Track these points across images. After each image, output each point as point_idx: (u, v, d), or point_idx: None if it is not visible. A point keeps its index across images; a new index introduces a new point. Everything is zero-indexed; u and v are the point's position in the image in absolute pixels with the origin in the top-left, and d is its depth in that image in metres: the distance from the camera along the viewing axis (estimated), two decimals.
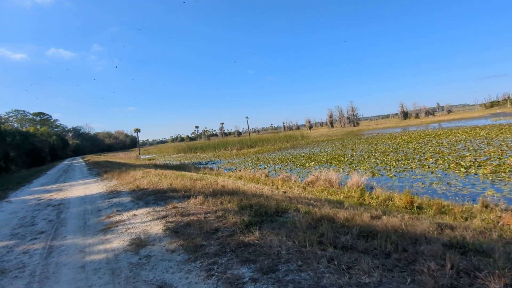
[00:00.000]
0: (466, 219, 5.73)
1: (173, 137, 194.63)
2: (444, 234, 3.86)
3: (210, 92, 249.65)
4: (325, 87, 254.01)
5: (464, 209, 6.38)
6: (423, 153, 17.52)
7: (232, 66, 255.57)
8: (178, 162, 28.37)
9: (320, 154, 22.90)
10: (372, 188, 10.23)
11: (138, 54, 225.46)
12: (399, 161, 15.64)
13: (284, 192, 8.61)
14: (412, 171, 12.87)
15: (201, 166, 21.39)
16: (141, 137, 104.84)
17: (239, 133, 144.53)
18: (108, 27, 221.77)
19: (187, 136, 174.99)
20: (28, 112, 79.44)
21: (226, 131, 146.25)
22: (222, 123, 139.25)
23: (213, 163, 26.21)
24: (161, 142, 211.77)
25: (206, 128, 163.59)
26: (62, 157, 65.15)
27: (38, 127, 70.17)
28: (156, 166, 21.78)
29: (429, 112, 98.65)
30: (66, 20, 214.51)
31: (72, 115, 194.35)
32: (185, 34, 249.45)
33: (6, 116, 69.36)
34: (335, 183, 10.67)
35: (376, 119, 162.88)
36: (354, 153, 21.13)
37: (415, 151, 18.76)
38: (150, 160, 38.35)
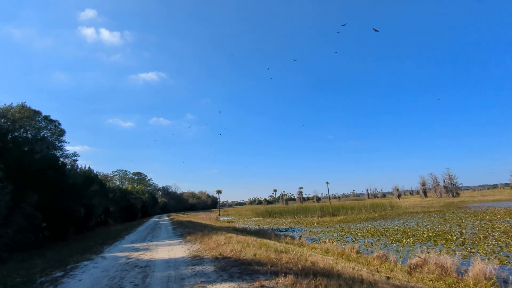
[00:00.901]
0: None
1: (251, 200, 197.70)
2: None
3: (288, 157, 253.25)
4: (415, 151, 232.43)
5: None
6: None
7: (309, 132, 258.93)
8: (257, 227, 27.74)
9: (419, 229, 19.72)
10: (506, 282, 7.89)
11: (225, 121, 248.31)
12: None
13: (388, 277, 7.10)
14: None
15: (281, 234, 20.29)
16: (221, 198, 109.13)
17: (318, 199, 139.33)
18: (201, 98, 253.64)
19: (265, 199, 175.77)
20: (128, 172, 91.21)
21: (304, 195, 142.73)
22: (301, 188, 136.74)
23: (293, 231, 24.81)
24: (239, 204, 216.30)
25: (284, 191, 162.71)
26: (151, 214, 70.79)
27: (135, 185, 79.28)
28: (236, 230, 21.49)
29: None
30: (167, 94, 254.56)
31: (164, 175, 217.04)
32: (265, 107, 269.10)
33: (111, 175, 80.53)
34: (450, 270, 8.55)
35: (480, 189, 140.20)
36: (464, 231, 17.61)
37: None
38: (229, 222, 38.62)
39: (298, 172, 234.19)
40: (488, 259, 10.53)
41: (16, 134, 20.51)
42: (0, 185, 11.96)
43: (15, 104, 22.65)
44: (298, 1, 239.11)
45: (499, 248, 12.30)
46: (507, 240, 13.88)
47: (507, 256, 10.90)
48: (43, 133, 24.67)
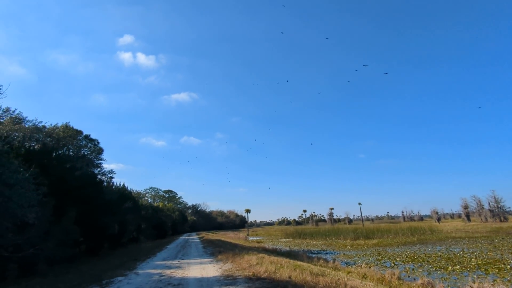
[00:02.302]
0: None
1: (279, 220, 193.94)
2: None
3: (318, 176, 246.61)
4: (454, 171, 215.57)
5: None
6: None
7: (340, 150, 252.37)
8: (287, 248, 26.93)
9: (465, 256, 18.11)
10: None
11: (254, 138, 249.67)
12: None
13: None
14: None
15: (314, 256, 19.48)
16: (249, 218, 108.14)
17: (350, 220, 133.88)
18: (230, 117, 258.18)
19: (294, 219, 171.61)
20: (160, 189, 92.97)
21: (335, 217, 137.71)
22: (332, 208, 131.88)
23: (326, 253, 23.78)
24: (268, 224, 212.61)
25: (314, 212, 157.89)
26: (180, 232, 71.29)
27: (166, 203, 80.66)
28: (266, 251, 20.95)
29: None
30: (198, 114, 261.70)
31: (193, 193, 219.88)
32: (298, 121, 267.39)
33: (144, 192, 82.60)
34: None
35: None
36: None
37: None
38: (258, 242, 37.89)
39: (328, 192, 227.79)
40: None
41: (59, 152, 21.78)
42: (44, 200, 12.52)
43: (60, 124, 24.26)
44: (319, 18, 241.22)
45: None
46: None
47: None
48: (83, 151, 26.06)
